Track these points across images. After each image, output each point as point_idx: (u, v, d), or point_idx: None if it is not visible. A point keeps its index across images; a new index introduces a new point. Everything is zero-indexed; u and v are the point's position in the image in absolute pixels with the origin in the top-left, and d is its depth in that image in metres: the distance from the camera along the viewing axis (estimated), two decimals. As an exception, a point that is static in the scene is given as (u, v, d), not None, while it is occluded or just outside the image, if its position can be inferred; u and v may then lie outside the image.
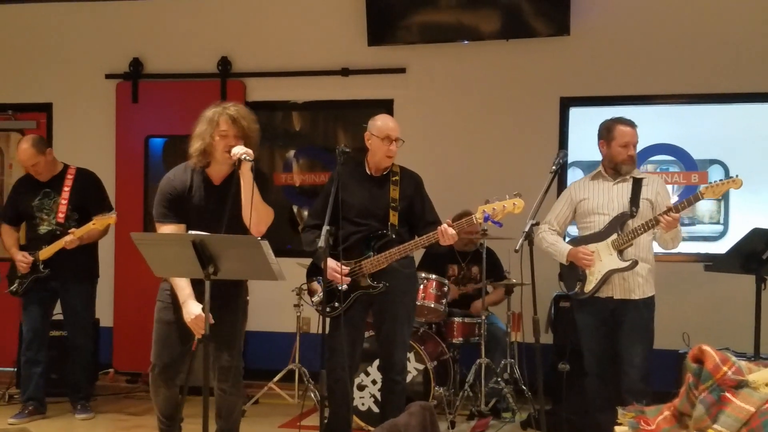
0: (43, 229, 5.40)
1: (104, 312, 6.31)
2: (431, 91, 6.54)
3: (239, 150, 3.58)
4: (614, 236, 4.36)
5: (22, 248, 5.44)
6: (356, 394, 5.08)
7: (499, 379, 5.37)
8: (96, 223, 5.18)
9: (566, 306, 5.29)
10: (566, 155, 4.37)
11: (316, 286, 4.41)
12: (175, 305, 3.70)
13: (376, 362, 4.87)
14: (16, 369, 6.04)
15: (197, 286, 3.59)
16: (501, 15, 6.24)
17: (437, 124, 6.51)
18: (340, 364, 4.19)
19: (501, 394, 5.38)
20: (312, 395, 5.65)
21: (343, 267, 4.19)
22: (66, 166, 5.54)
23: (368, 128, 4.34)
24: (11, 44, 7.17)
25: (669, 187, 6.10)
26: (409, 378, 4.93)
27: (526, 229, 3.87)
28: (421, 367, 5.12)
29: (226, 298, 3.71)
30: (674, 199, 5.96)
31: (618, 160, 4.44)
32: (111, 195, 5.88)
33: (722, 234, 6.10)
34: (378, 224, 4.27)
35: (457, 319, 5.52)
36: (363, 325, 4.41)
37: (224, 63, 6.80)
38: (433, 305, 5.25)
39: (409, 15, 6.42)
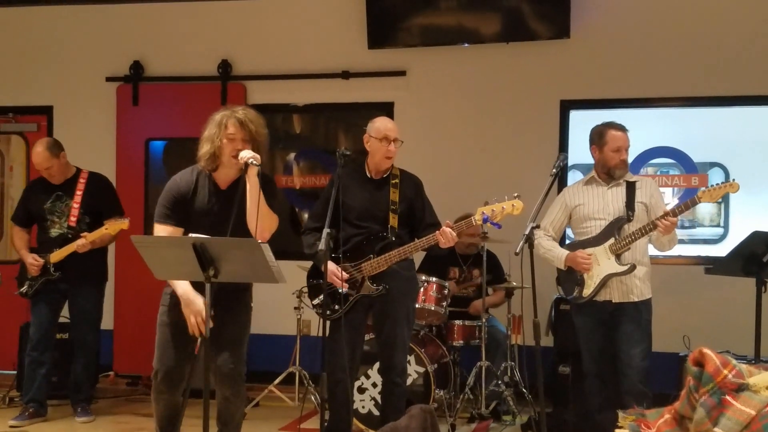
0: (55, 232, 5.42)
1: (104, 314, 6.28)
2: (431, 94, 6.54)
3: (246, 154, 3.56)
4: (611, 240, 4.37)
5: (33, 250, 5.47)
6: (356, 396, 5.08)
7: (500, 382, 5.37)
8: (109, 228, 5.22)
9: (567, 309, 5.29)
10: (566, 158, 4.38)
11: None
12: (178, 309, 3.69)
13: (377, 365, 4.86)
14: (16, 372, 6.06)
15: (198, 291, 3.58)
16: (501, 18, 6.24)
17: (437, 127, 6.52)
18: (341, 367, 4.19)
19: (501, 396, 5.38)
20: (312, 398, 5.64)
21: (343, 273, 4.20)
22: (79, 170, 5.57)
23: (367, 131, 4.36)
24: (12, 47, 7.17)
25: (669, 189, 6.15)
26: (409, 381, 4.93)
27: (527, 232, 3.87)
28: (421, 369, 5.12)
29: (230, 305, 3.71)
30: (674, 201, 5.99)
31: (611, 165, 4.46)
32: (112, 197, 5.89)
33: (722, 237, 6.10)
34: (378, 227, 4.28)
35: (457, 322, 5.52)
36: (363, 327, 4.41)
37: (225, 66, 6.81)
38: (433, 308, 5.25)
39: (409, 18, 6.43)
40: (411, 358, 5.06)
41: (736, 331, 5.20)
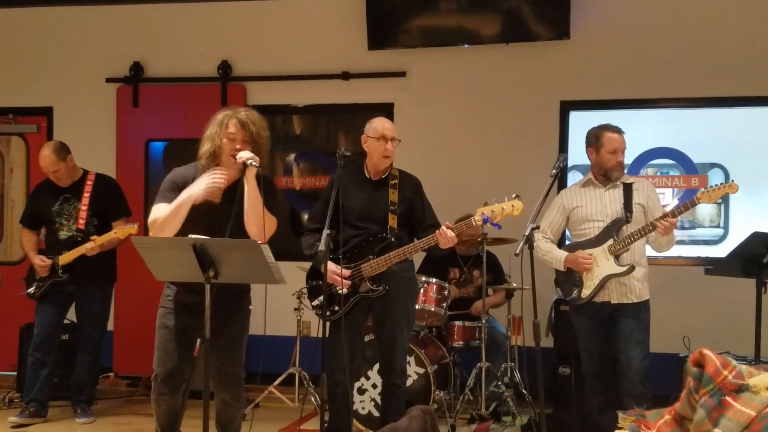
0: (64, 234, 5.44)
1: (104, 316, 6.32)
2: (431, 95, 6.55)
3: (245, 155, 3.56)
4: (610, 241, 4.38)
5: (41, 253, 5.49)
6: (356, 397, 5.08)
7: (500, 383, 5.37)
8: (118, 233, 5.25)
9: (567, 310, 5.29)
10: (566, 159, 4.39)
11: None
12: (178, 311, 3.68)
13: (377, 366, 4.86)
14: (17, 373, 6.05)
15: (197, 293, 3.57)
16: (501, 19, 6.24)
17: (437, 128, 6.52)
18: (341, 368, 4.19)
19: (501, 397, 5.38)
20: (312, 399, 5.64)
21: (344, 270, 4.20)
22: (86, 172, 5.59)
23: (365, 131, 4.36)
24: (12, 47, 7.17)
25: (669, 190, 6.15)
26: (409, 382, 4.93)
27: (527, 233, 3.88)
28: (421, 370, 5.12)
29: (229, 308, 3.70)
30: (674, 202, 5.99)
31: (608, 167, 4.47)
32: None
33: (722, 238, 6.10)
34: (377, 228, 4.28)
35: (457, 323, 5.52)
36: (363, 328, 4.41)
37: (225, 67, 6.81)
38: (433, 309, 5.25)
39: (409, 19, 6.43)
40: (411, 359, 5.06)
41: (736, 332, 5.21)
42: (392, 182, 4.35)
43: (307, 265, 4.56)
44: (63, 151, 5.43)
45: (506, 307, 5.63)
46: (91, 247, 5.27)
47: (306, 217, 6.63)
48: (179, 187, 3.68)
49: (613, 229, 4.40)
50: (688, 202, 4.29)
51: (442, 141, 6.50)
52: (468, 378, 5.40)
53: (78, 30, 7.07)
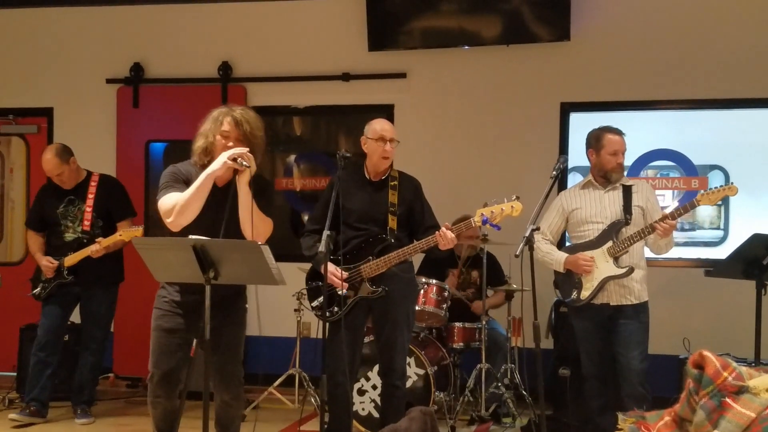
0: (69, 236, 5.45)
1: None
2: (432, 97, 6.55)
3: (235, 151, 3.50)
4: (610, 243, 4.38)
5: (47, 254, 5.49)
6: (356, 398, 5.08)
7: (500, 384, 5.37)
8: (123, 235, 5.26)
9: (566, 311, 5.30)
10: (567, 160, 4.39)
11: None
12: (173, 312, 3.67)
13: (377, 367, 4.87)
14: (16, 374, 6.05)
15: (193, 293, 3.57)
16: (502, 20, 6.25)
17: (438, 129, 6.52)
18: (341, 369, 4.19)
19: (501, 399, 5.38)
20: (312, 400, 5.64)
21: (343, 272, 4.20)
22: (89, 173, 5.60)
23: (364, 133, 4.37)
24: (12, 48, 7.17)
25: (669, 192, 6.16)
26: (409, 383, 4.93)
27: (527, 234, 3.88)
28: (421, 372, 5.12)
29: (226, 308, 3.68)
30: (674, 204, 5.99)
31: (608, 168, 4.47)
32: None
33: (723, 239, 6.10)
34: (377, 229, 4.28)
35: (457, 324, 5.52)
36: (363, 329, 4.41)
37: (225, 68, 6.81)
38: (433, 310, 5.25)
39: (409, 20, 6.43)
40: (411, 360, 5.06)
41: (736, 333, 5.21)
42: (392, 183, 4.35)
43: (307, 266, 4.56)
44: (66, 153, 5.44)
45: (506, 309, 5.62)
46: (96, 249, 5.29)
47: (306, 218, 6.64)
48: (184, 180, 3.65)
49: (612, 231, 4.41)
50: (688, 204, 4.30)
51: (443, 142, 6.50)
52: (468, 379, 5.40)
53: (78, 31, 7.07)
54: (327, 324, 4.22)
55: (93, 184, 5.53)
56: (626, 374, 4.35)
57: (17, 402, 5.81)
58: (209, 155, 3.65)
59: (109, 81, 6.98)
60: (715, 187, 4.30)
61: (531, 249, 3.92)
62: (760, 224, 5.59)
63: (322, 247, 3.75)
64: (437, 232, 4.11)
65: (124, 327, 6.69)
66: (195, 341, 3.61)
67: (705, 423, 1.93)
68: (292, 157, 6.97)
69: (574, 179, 6.09)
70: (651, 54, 6.16)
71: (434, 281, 5.31)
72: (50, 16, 7.11)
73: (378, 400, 4.91)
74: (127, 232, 5.23)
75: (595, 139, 4.53)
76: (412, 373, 5.09)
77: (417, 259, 5.03)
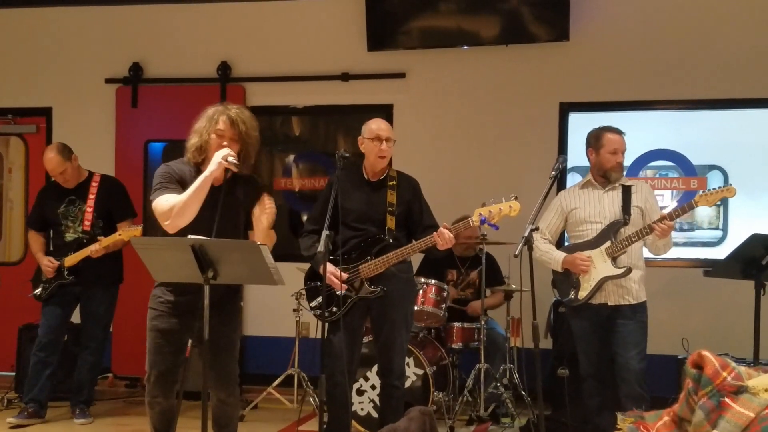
0: (70, 236, 5.45)
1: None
2: (431, 97, 6.55)
3: (226, 151, 3.49)
4: (608, 243, 4.38)
5: (48, 255, 5.50)
6: (355, 398, 5.08)
7: (499, 384, 5.37)
8: (122, 234, 5.25)
9: (565, 311, 5.30)
10: (565, 160, 4.39)
11: None
12: (168, 312, 3.66)
13: (375, 367, 4.86)
14: (15, 373, 6.05)
15: (187, 293, 3.56)
16: (501, 20, 6.25)
17: (437, 129, 6.52)
18: (339, 369, 4.18)
19: (500, 399, 5.38)
20: (311, 400, 5.64)
21: (342, 273, 4.20)
22: (91, 174, 5.60)
23: (361, 133, 4.37)
24: (11, 48, 7.17)
25: (668, 192, 6.16)
26: (408, 383, 4.93)
27: (526, 234, 3.88)
28: (420, 372, 5.12)
29: (222, 306, 3.67)
30: (672, 204, 5.99)
31: (607, 167, 4.47)
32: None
33: (721, 239, 6.10)
34: (376, 229, 4.28)
35: (456, 324, 5.51)
36: (361, 329, 4.41)
37: (224, 68, 6.81)
38: (432, 310, 5.25)
39: (408, 20, 6.43)
40: (410, 360, 5.06)
41: (735, 333, 5.21)
42: (390, 183, 4.35)
43: (306, 266, 4.56)
44: (67, 151, 5.46)
45: (505, 309, 5.62)
46: (95, 249, 5.29)
47: (305, 218, 6.63)
48: (177, 179, 3.63)
49: (610, 231, 4.41)
50: (686, 205, 4.30)
51: (442, 142, 6.50)
52: (467, 379, 5.39)
53: (77, 30, 7.06)
54: (326, 324, 4.22)
55: (94, 184, 5.53)
56: (625, 374, 4.35)
57: (16, 402, 5.80)
58: (203, 153, 3.62)
59: (108, 81, 6.98)
60: (714, 189, 4.30)
61: (530, 249, 3.92)
62: (758, 224, 5.59)
63: (320, 247, 3.74)
64: (436, 232, 4.11)
65: (123, 327, 6.68)
66: (189, 342, 3.62)
67: (704, 423, 1.93)
68: (291, 157, 6.97)
69: (573, 179, 6.10)
70: (650, 54, 6.16)
71: (433, 281, 5.31)
72: (49, 15, 7.11)
73: (377, 400, 4.91)
74: (126, 232, 5.23)
75: (594, 139, 4.53)
76: (411, 373, 5.08)
77: (416, 260, 5.03)
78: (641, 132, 6.03)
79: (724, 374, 1.96)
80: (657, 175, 6.19)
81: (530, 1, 6.17)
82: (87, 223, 5.44)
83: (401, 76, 6.56)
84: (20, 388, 5.78)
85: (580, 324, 4.54)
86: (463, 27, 6.33)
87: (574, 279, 4.46)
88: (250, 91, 6.81)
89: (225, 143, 3.57)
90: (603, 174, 4.50)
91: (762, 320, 4.70)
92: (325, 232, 3.79)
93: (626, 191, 4.47)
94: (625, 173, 4.65)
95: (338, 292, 4.19)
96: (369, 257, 4.24)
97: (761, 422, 1.87)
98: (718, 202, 5.03)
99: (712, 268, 5.36)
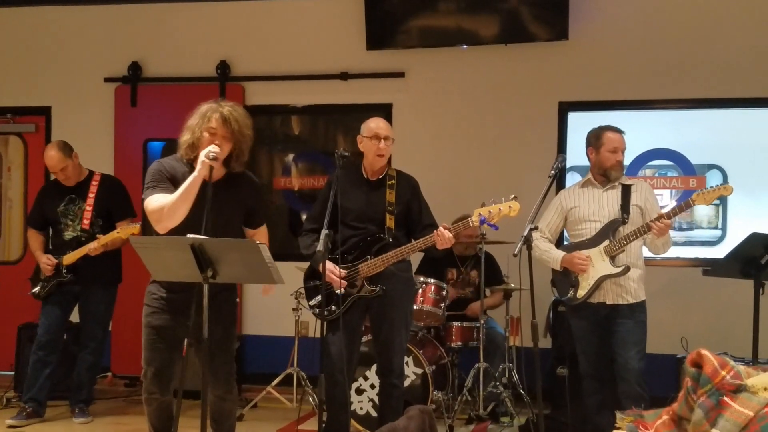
0: (69, 235, 5.45)
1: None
2: (430, 96, 6.55)
3: (210, 149, 3.46)
4: (606, 242, 4.39)
5: (47, 253, 5.50)
6: (354, 398, 5.08)
7: (498, 384, 5.37)
8: (120, 232, 5.26)
9: (565, 310, 5.30)
10: (565, 159, 4.39)
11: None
12: (163, 309, 3.66)
13: (375, 366, 4.86)
14: (14, 373, 6.05)
15: (182, 291, 3.55)
16: (500, 20, 6.25)
17: (436, 128, 6.52)
18: (339, 368, 4.18)
19: (500, 398, 5.38)
20: (310, 399, 5.64)
21: (341, 270, 4.20)
22: (91, 173, 5.61)
23: (360, 132, 4.37)
24: (11, 47, 7.17)
25: (667, 191, 6.16)
26: (407, 382, 4.93)
27: (525, 234, 3.88)
28: (419, 371, 5.12)
29: (218, 304, 3.66)
30: (671, 203, 5.99)
31: (607, 166, 4.48)
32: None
33: (720, 239, 6.10)
34: (375, 228, 4.28)
35: (456, 324, 5.51)
36: (361, 329, 4.41)
37: (223, 67, 6.81)
38: (431, 309, 5.25)
39: (408, 19, 6.43)
40: (409, 360, 5.06)
41: (734, 332, 5.22)
42: (389, 182, 4.35)
43: (306, 265, 4.56)
44: (68, 148, 5.47)
45: (504, 308, 5.62)
46: (94, 247, 5.30)
47: (304, 217, 6.63)
48: (168, 177, 3.61)
49: (609, 230, 4.41)
50: (683, 203, 4.31)
51: (441, 141, 6.50)
52: (466, 378, 5.39)
53: (76, 30, 7.06)
54: (325, 323, 4.23)
55: (94, 183, 5.54)
56: (624, 373, 4.35)
57: (15, 401, 5.80)
58: (195, 151, 3.59)
59: (107, 80, 6.98)
60: (711, 187, 4.33)
61: (529, 248, 3.92)
62: (757, 223, 5.59)
63: (320, 246, 3.74)
64: (435, 231, 4.11)
65: (123, 326, 6.68)
66: (186, 340, 3.61)
67: (703, 422, 1.93)
68: (290, 157, 6.97)
69: (572, 178, 6.10)
70: (649, 53, 6.16)
71: (432, 280, 5.31)
72: (48, 15, 7.10)
73: (376, 399, 4.91)
74: (124, 229, 5.23)
75: (594, 137, 4.54)
76: (411, 372, 5.09)
77: (416, 258, 5.03)
78: (640, 131, 6.03)
79: (723, 373, 1.96)
80: (656, 175, 6.20)
81: (529, 0, 6.17)
82: (86, 221, 5.44)
83: (401, 75, 6.56)
84: (19, 387, 5.78)
85: (579, 323, 4.55)
86: (463, 26, 6.33)
87: (573, 278, 4.47)
88: (250, 90, 6.81)
89: (217, 141, 3.53)
90: (603, 173, 4.51)
91: (761, 319, 4.71)
92: (324, 231, 3.78)
93: (626, 190, 4.47)
94: (624, 172, 4.66)
95: (337, 291, 4.19)
96: (368, 256, 4.24)
97: (760, 421, 1.87)
98: (716, 201, 5.02)
99: (711, 267, 5.36)
